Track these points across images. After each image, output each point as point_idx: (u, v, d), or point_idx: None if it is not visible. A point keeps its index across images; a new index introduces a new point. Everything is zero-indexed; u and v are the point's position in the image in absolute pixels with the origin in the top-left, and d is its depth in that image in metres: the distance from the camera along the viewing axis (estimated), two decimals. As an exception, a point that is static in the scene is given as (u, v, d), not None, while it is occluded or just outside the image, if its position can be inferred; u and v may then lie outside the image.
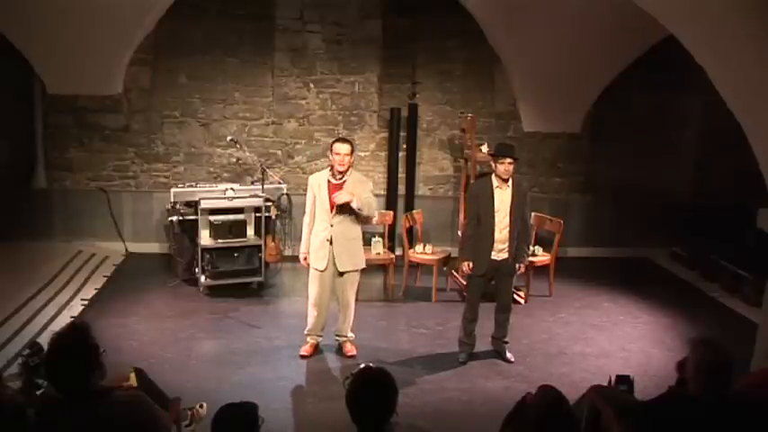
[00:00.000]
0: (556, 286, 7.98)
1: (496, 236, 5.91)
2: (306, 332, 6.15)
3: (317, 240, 5.93)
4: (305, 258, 6.05)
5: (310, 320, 6.10)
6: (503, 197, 5.91)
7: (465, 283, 6.60)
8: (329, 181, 5.88)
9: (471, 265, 6.00)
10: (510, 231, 5.92)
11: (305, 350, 6.12)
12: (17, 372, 5.13)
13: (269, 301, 7.54)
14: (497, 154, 5.94)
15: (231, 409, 3.05)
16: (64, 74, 8.42)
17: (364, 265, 6.13)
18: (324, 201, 5.87)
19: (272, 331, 6.65)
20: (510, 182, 5.92)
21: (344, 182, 5.86)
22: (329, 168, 5.93)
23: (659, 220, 9.41)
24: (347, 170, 5.86)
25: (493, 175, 5.97)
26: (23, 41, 8.02)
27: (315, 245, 5.94)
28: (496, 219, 5.90)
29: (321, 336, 6.21)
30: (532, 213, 8.09)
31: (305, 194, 6.11)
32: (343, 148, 5.80)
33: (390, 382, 2.93)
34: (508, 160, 5.83)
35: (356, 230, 5.97)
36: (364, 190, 5.91)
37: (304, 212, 6.11)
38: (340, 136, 6.44)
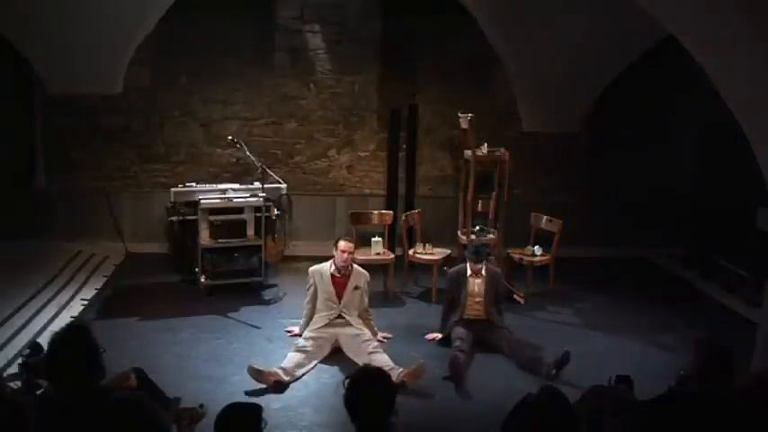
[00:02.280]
0: (555, 286, 7.98)
1: (467, 310, 6.37)
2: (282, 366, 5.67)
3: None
4: (290, 331, 6.39)
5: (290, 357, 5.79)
6: (476, 283, 6.41)
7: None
8: (333, 275, 6.13)
9: (439, 337, 6.44)
10: (482, 305, 6.38)
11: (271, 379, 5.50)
12: (17, 372, 5.14)
13: (269, 301, 7.54)
14: (467, 259, 6.46)
15: (235, 409, 3.01)
16: (64, 74, 8.42)
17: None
18: (329, 293, 6.11)
19: (272, 331, 6.65)
20: (484, 271, 6.41)
21: (350, 273, 6.15)
22: (330, 263, 6.17)
23: (659, 220, 9.41)
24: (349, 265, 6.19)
25: (467, 265, 6.44)
26: (23, 41, 8.03)
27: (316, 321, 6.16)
28: (469, 301, 6.37)
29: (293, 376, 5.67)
30: (532, 213, 8.14)
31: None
32: (349, 246, 6.14)
33: (389, 381, 2.93)
34: (477, 264, 6.35)
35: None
36: (364, 283, 6.22)
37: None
38: (343, 236, 6.46)
